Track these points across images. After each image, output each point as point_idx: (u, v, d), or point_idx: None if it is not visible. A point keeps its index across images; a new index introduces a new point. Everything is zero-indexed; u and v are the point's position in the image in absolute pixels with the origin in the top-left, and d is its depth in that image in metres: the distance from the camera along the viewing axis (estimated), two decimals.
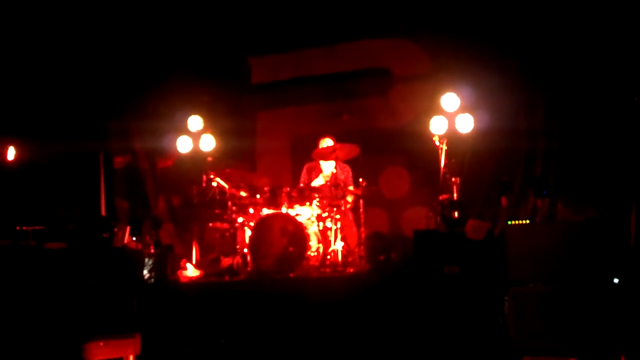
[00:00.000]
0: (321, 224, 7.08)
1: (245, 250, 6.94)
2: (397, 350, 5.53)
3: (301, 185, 7.65)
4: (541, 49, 7.40)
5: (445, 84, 7.30)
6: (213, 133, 8.22)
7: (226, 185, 7.39)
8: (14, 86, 8.10)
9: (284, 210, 6.94)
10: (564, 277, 5.14)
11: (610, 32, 6.85)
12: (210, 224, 7.54)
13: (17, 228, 6.50)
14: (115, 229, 6.68)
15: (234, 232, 7.23)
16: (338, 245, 6.95)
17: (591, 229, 5.29)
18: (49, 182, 8.01)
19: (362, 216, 7.31)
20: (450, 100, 7.02)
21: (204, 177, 7.60)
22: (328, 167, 7.75)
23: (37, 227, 6.55)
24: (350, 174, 7.72)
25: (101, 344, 3.59)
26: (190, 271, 7.08)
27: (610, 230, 5.22)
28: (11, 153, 7.70)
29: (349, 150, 7.46)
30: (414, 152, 7.88)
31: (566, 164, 7.13)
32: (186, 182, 8.22)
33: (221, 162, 7.77)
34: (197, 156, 8.10)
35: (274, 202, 6.99)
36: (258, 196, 7.14)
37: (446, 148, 6.78)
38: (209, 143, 8.15)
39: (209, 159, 7.92)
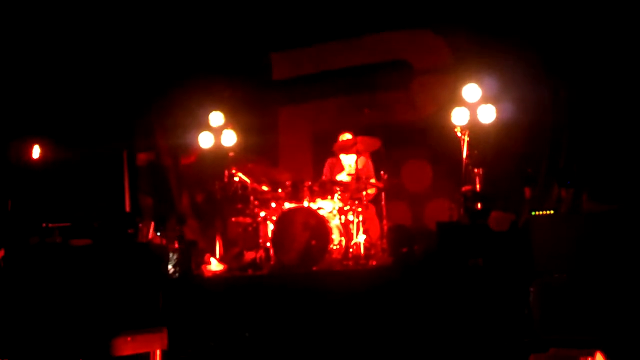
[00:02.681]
0: (343, 217, 7.09)
1: (268, 244, 6.97)
2: (421, 343, 5.52)
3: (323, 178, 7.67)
4: (564, 40, 7.32)
5: (466, 75, 7.25)
6: (234, 128, 8.25)
7: (248, 180, 7.42)
8: (38, 86, 8.21)
9: (305, 204, 6.95)
10: (589, 268, 5.09)
11: (636, 22, 6.75)
12: (233, 219, 7.58)
13: (44, 225, 6.58)
14: (140, 225, 6.75)
15: (257, 227, 7.28)
16: (360, 238, 6.95)
17: (616, 219, 5.22)
18: (74, 179, 8.11)
19: (384, 209, 7.31)
20: (471, 91, 6.98)
21: (226, 173, 7.64)
22: (349, 161, 7.75)
23: (63, 224, 6.63)
24: (371, 166, 7.71)
25: (128, 339, 3.61)
26: (214, 265, 7.14)
27: (636, 220, 5.15)
28: (36, 152, 7.80)
29: (369, 144, 7.45)
30: (436, 144, 7.85)
31: (591, 155, 7.05)
32: (209, 178, 8.28)
33: (243, 157, 7.80)
34: (219, 152, 8.14)
35: (295, 197, 7.01)
36: (280, 190, 7.17)
37: (468, 139, 6.75)
38: (230, 138, 8.19)
39: (231, 154, 7.96)
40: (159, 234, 7.02)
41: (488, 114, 6.92)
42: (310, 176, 7.83)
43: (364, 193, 7.20)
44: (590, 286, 5.03)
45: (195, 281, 6.69)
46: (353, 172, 7.37)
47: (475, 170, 6.50)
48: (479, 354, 5.26)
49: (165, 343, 3.72)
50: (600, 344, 3.67)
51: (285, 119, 9.42)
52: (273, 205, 7.20)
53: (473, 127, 6.85)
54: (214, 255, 7.45)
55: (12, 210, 7.14)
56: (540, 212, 5.48)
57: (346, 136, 7.66)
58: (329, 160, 7.91)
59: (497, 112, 6.94)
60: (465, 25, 7.81)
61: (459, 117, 6.91)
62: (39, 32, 8.11)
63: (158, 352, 3.69)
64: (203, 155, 8.50)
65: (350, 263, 6.82)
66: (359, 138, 7.42)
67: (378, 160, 7.56)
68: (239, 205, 7.44)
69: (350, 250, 6.94)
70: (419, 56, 8.59)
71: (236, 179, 7.46)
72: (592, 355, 3.26)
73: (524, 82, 7.36)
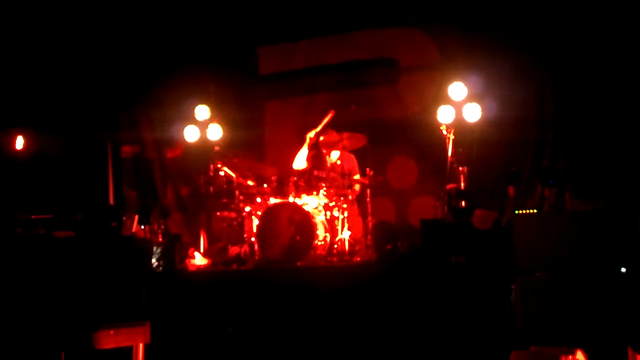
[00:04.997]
0: (328, 213, 7.10)
1: (253, 239, 6.96)
2: (404, 339, 5.54)
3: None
4: (550, 38, 7.37)
5: (452, 73, 7.27)
6: (220, 122, 8.22)
7: (233, 175, 7.41)
8: (23, 77, 8.13)
9: (291, 199, 6.95)
10: (571, 267, 5.14)
11: (622, 20, 6.81)
12: (218, 213, 7.57)
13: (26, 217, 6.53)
14: (124, 218, 6.72)
15: (242, 221, 7.26)
16: (345, 235, 6.96)
17: (599, 219, 5.28)
18: (58, 171, 8.05)
19: (369, 206, 7.32)
20: (457, 89, 7.00)
21: (212, 167, 7.62)
22: (333, 157, 7.76)
23: (46, 216, 6.59)
24: (356, 162, 7.73)
25: (111, 332, 3.59)
26: (198, 260, 7.12)
27: (618, 220, 5.21)
28: (20, 143, 7.74)
29: (355, 140, 7.46)
30: (422, 141, 7.88)
31: (575, 154, 7.11)
32: (194, 172, 8.25)
33: (228, 151, 7.78)
34: (204, 146, 8.11)
35: (281, 192, 7.01)
36: (265, 185, 7.16)
37: (453, 137, 6.77)
38: (216, 132, 8.16)
39: (217, 148, 7.93)
40: (142, 227, 6.99)
41: (474, 113, 6.95)
42: (296, 172, 7.81)
43: (350, 191, 7.20)
44: (571, 285, 5.08)
45: (179, 275, 6.67)
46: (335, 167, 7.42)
47: (460, 168, 6.52)
48: (462, 351, 5.29)
49: (148, 337, 3.70)
50: (581, 342, 3.71)
51: (272, 114, 9.40)
52: (258, 200, 7.20)
53: (458, 126, 6.87)
54: (198, 249, 7.44)
55: None
56: (524, 211, 5.52)
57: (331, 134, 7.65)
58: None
59: (483, 110, 6.97)
60: (452, 23, 7.83)
61: (444, 116, 6.93)
62: (24, 24, 8.03)
63: (141, 345, 3.67)
64: (188, 149, 8.46)
65: (335, 259, 6.82)
66: (345, 134, 7.43)
67: (363, 157, 7.57)
68: (224, 200, 7.43)
69: (335, 246, 6.95)
70: (405, 53, 8.61)
71: (221, 173, 7.44)
72: (573, 353, 3.30)
73: (509, 80, 7.40)
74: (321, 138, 7.63)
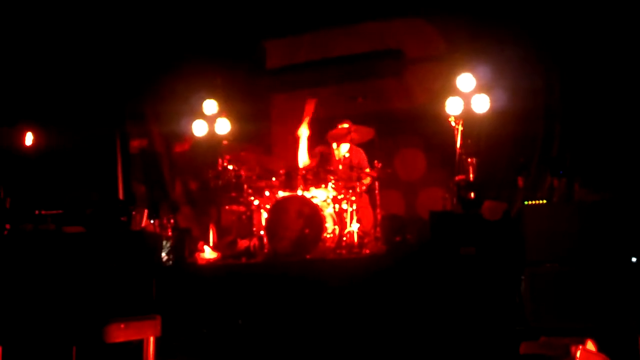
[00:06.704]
0: (337, 206, 7.10)
1: (262, 232, 6.98)
2: (413, 331, 5.55)
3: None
4: (558, 29, 7.32)
5: (460, 64, 7.24)
6: (228, 116, 8.24)
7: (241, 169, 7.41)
8: (30, 72, 8.16)
9: (299, 192, 6.95)
10: (581, 257, 5.12)
11: (630, 9, 6.76)
12: (227, 207, 7.58)
13: (37, 212, 6.57)
14: (133, 213, 6.74)
15: (251, 215, 7.27)
16: (354, 227, 6.96)
17: (608, 208, 5.25)
18: (67, 166, 8.09)
19: (377, 198, 7.32)
20: (466, 80, 6.97)
21: (220, 161, 7.63)
22: (342, 150, 7.75)
23: (56, 212, 6.62)
24: (365, 156, 7.71)
25: (122, 326, 3.62)
26: (208, 253, 7.14)
27: (628, 209, 5.18)
28: (29, 138, 7.77)
29: (364, 133, 7.45)
30: (430, 133, 7.85)
31: (583, 144, 7.07)
32: (202, 166, 8.27)
33: (236, 145, 7.79)
34: (212, 140, 8.13)
35: (289, 185, 7.02)
36: (274, 179, 7.17)
37: (462, 129, 6.74)
38: (224, 126, 8.17)
39: (225, 142, 7.95)
40: (152, 221, 7.01)
41: (482, 104, 6.92)
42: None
43: (358, 183, 7.20)
44: (581, 275, 5.06)
45: (189, 269, 6.70)
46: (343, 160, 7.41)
47: (469, 159, 6.50)
48: (471, 343, 5.29)
49: (159, 330, 3.73)
50: (591, 332, 3.70)
51: (279, 107, 9.40)
52: (267, 193, 7.20)
53: (467, 117, 6.85)
54: (207, 243, 7.46)
55: (4, 198, 7.12)
56: (533, 202, 5.50)
57: (344, 125, 7.64)
58: (321, 149, 7.91)
59: (491, 101, 6.94)
60: (458, 14, 7.79)
61: (453, 107, 6.91)
62: (30, 19, 8.05)
63: (151, 339, 3.70)
64: (197, 143, 8.48)
65: (344, 252, 6.83)
66: (353, 127, 7.42)
67: (372, 149, 7.56)
68: (233, 194, 7.44)
69: (344, 238, 6.95)
70: (413, 44, 8.58)
71: (230, 167, 7.45)
72: (583, 343, 3.29)
73: (517, 70, 7.36)
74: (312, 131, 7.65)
